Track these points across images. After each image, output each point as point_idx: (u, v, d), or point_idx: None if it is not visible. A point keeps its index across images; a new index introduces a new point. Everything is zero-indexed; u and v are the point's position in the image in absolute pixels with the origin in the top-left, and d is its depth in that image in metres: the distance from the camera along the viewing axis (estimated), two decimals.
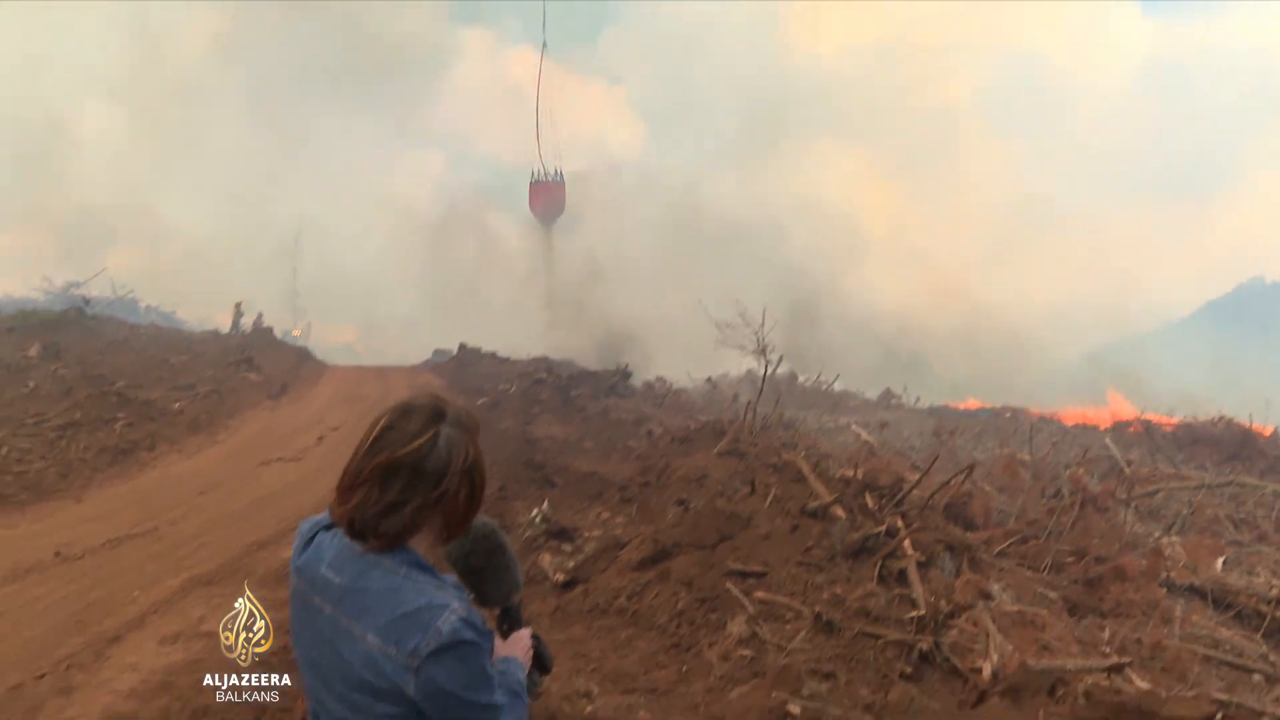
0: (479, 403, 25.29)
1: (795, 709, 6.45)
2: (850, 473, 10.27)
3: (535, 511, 12.53)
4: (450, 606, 2.19)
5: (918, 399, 33.29)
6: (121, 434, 16.59)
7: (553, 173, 50.73)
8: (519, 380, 26.96)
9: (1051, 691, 5.73)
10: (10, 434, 14.96)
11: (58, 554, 9.98)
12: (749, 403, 16.81)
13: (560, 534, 11.84)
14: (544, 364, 31.07)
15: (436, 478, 2.24)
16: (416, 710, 2.20)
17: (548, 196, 51.04)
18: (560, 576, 10.03)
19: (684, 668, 7.69)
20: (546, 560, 10.57)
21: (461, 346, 37.43)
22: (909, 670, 7.06)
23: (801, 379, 31.29)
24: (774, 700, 6.61)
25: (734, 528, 9.68)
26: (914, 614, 7.48)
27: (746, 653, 7.51)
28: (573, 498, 15.11)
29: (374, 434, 2.30)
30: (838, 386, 31.36)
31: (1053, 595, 9.72)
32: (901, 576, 8.52)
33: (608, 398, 25.60)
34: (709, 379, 27.94)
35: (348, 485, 2.29)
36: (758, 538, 9.44)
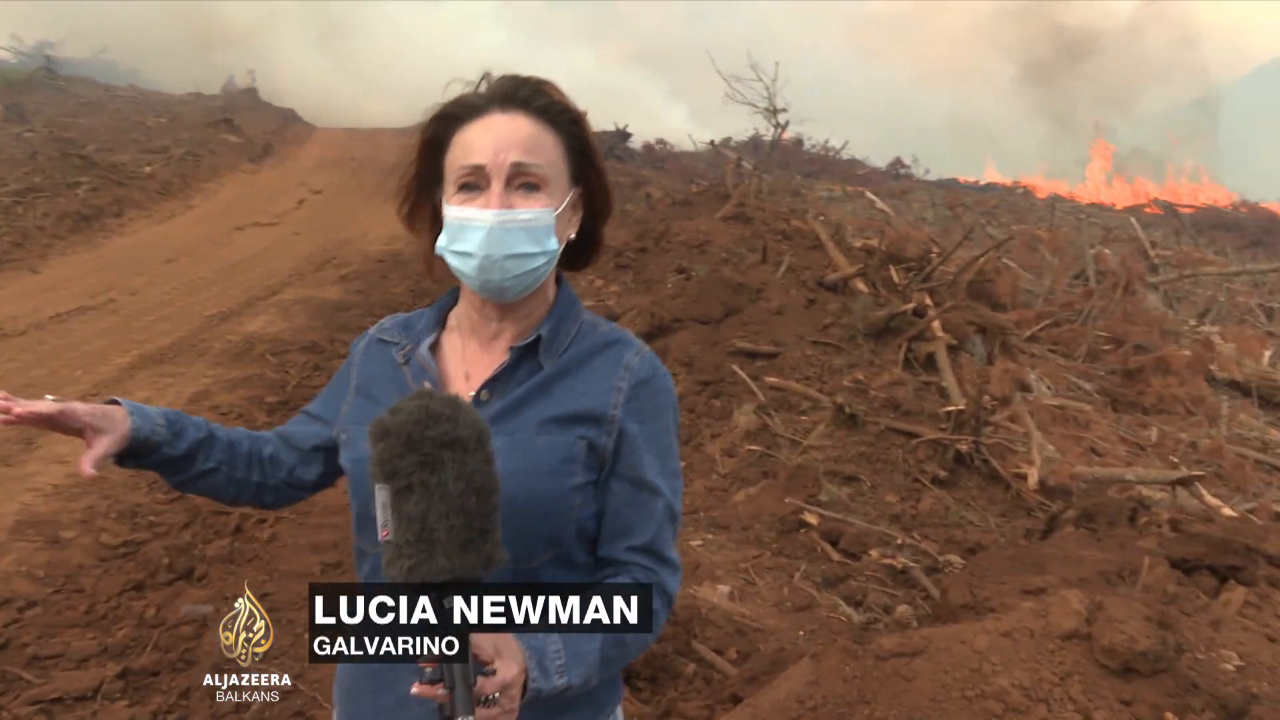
0: None
1: (812, 518, 5.60)
2: (873, 242, 9.14)
3: None
4: None
5: (927, 170, 31.87)
6: (85, 199, 15.42)
7: None
8: None
9: (1132, 519, 4.86)
10: None
11: None
12: (754, 165, 15.51)
13: None
14: None
15: None
16: None
17: None
18: None
19: (682, 464, 6.85)
20: None
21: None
22: (943, 474, 6.08)
23: (809, 144, 29.63)
24: (787, 506, 5.76)
25: (741, 300, 8.69)
26: (950, 408, 6.49)
27: (755, 448, 6.61)
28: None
29: None
30: (844, 155, 29.80)
31: (1088, 386, 8.85)
32: (930, 361, 7.54)
33: (604, 160, 24.22)
34: (712, 142, 26.20)
35: None
36: (768, 312, 8.47)
